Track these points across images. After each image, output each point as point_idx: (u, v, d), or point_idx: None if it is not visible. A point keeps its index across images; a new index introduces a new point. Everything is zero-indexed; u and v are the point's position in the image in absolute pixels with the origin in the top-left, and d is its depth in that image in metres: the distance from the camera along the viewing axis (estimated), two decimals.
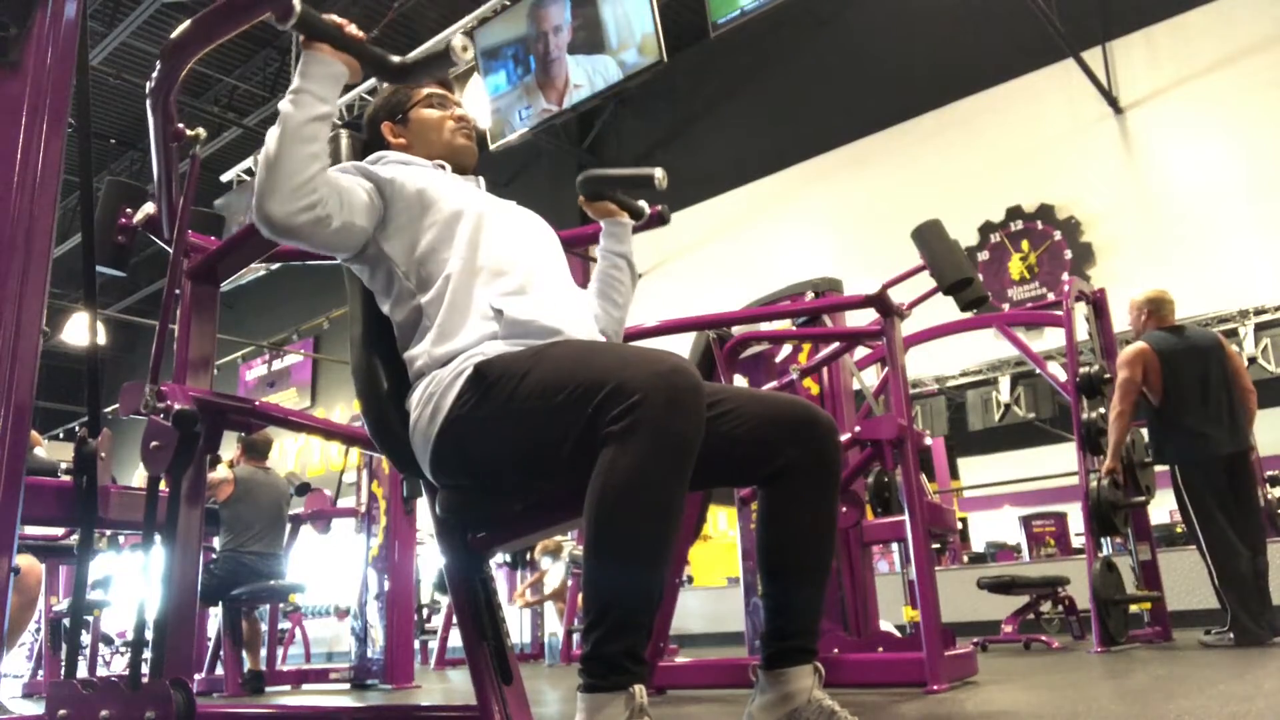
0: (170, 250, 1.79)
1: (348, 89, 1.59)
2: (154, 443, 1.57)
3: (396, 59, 1.45)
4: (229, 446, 5.39)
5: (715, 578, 9.70)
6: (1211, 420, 4.13)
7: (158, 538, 1.63)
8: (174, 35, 1.50)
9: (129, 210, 2.10)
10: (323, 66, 1.42)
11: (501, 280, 1.53)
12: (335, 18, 1.43)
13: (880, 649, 3.23)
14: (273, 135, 1.38)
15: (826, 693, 1.43)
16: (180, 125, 1.69)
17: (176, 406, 1.57)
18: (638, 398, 1.19)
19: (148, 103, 1.64)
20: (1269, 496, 6.18)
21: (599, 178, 1.84)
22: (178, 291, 1.94)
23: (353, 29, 1.44)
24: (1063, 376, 4.82)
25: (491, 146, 8.48)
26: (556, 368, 1.32)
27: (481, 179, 1.77)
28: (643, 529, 1.20)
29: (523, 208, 1.75)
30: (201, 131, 1.70)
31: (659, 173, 1.72)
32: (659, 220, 1.95)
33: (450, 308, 1.50)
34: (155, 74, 1.58)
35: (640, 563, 1.21)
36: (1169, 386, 4.21)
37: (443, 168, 1.70)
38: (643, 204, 1.89)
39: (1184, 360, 4.22)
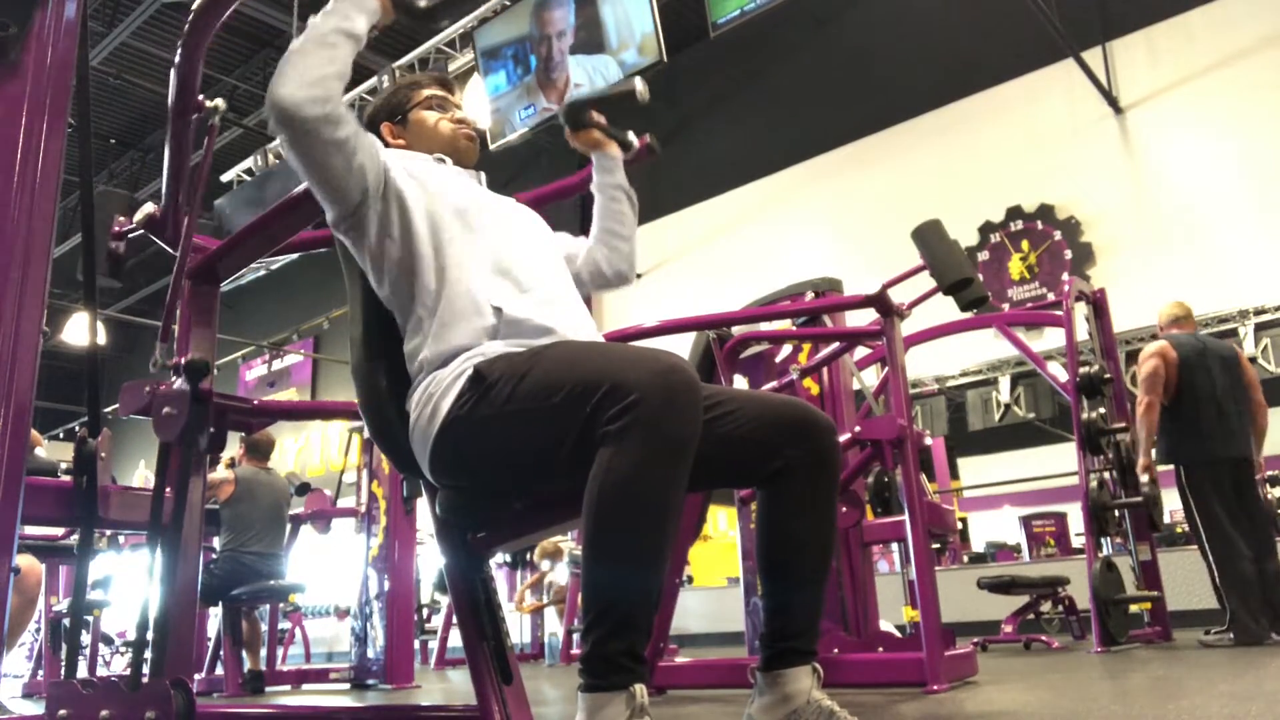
0: (172, 251, 1.80)
1: (359, 81, 1.59)
2: (166, 409, 1.57)
3: (422, 2, 1.47)
4: (231, 446, 5.38)
5: (715, 578, 9.70)
6: (1223, 424, 4.22)
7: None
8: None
9: (121, 219, 2.10)
10: None
11: (501, 274, 1.53)
12: None
13: (880, 649, 3.23)
14: (295, 41, 1.41)
15: (826, 693, 1.43)
16: (200, 96, 1.69)
17: (185, 359, 1.57)
18: (634, 397, 1.19)
19: (173, 69, 1.63)
20: (1268, 497, 6.21)
21: (581, 103, 1.79)
22: (182, 285, 1.94)
23: None
24: (1063, 376, 4.82)
25: (491, 146, 8.48)
26: (554, 368, 1.31)
27: (482, 174, 1.77)
28: (641, 528, 1.20)
29: (521, 205, 1.75)
30: (220, 102, 1.71)
31: (639, 83, 1.69)
32: (649, 153, 1.88)
33: (449, 300, 1.49)
34: (184, 34, 1.58)
35: (639, 562, 1.21)
36: (1184, 387, 4.29)
37: (443, 161, 1.70)
38: (630, 135, 1.84)
39: (1201, 363, 4.32)
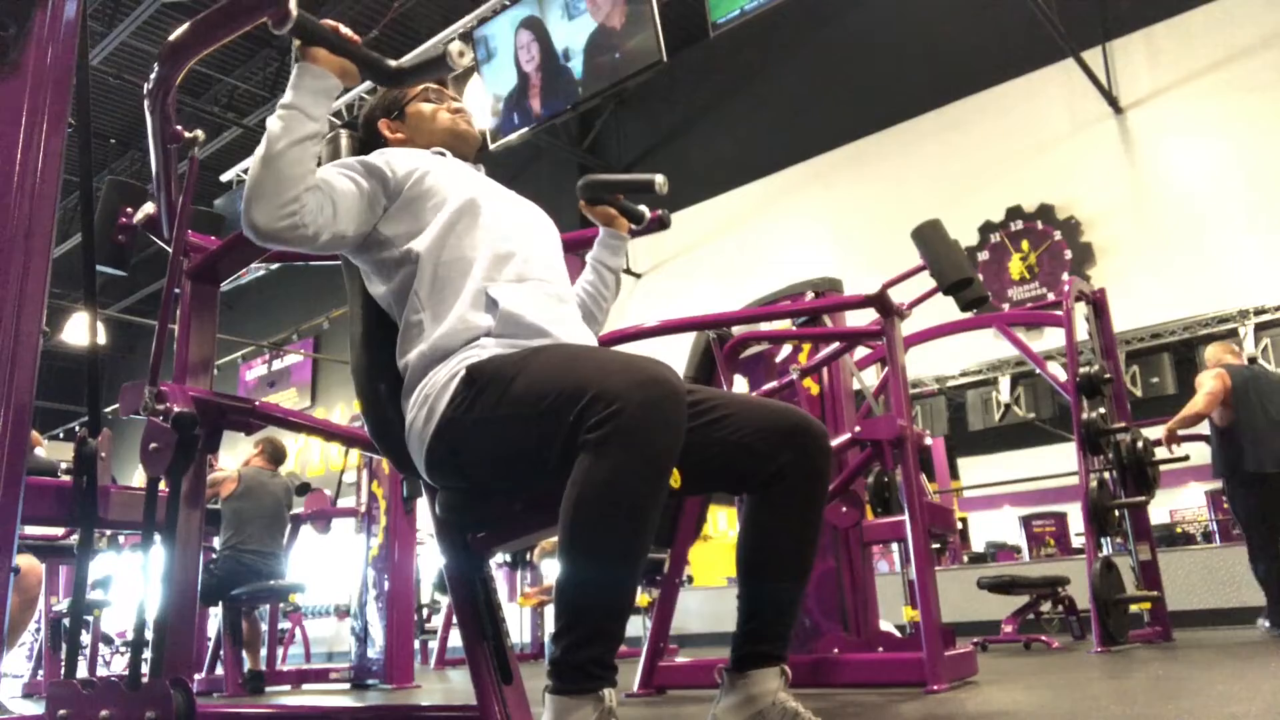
0: (170, 250, 1.79)
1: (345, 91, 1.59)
2: (153, 444, 1.57)
3: (393, 63, 1.45)
4: (239, 447, 5.39)
5: (715, 578, 9.69)
6: (1265, 443, 4.71)
7: (157, 538, 1.63)
8: (171, 38, 1.50)
9: (129, 210, 2.10)
10: (316, 80, 1.42)
11: (500, 266, 1.53)
12: (330, 22, 1.43)
13: (880, 649, 3.22)
14: (258, 153, 1.38)
15: (791, 694, 1.43)
16: (179, 127, 1.69)
17: (176, 409, 1.57)
18: (616, 407, 1.18)
19: (145, 104, 1.64)
20: None
21: (599, 183, 1.83)
22: (177, 291, 1.94)
23: (347, 32, 1.43)
24: (1063, 376, 4.82)
25: (491, 146, 8.48)
26: (542, 374, 1.31)
27: (481, 166, 1.77)
28: (615, 538, 1.19)
29: (522, 197, 1.75)
30: (200, 134, 1.70)
31: (660, 179, 1.71)
32: (659, 225, 1.94)
33: (447, 294, 1.50)
34: (153, 76, 1.58)
35: (612, 572, 1.20)
36: (1238, 408, 4.81)
37: (442, 154, 1.70)
38: (643, 209, 1.88)
39: (1248, 391, 4.85)
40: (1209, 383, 4.86)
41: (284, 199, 1.37)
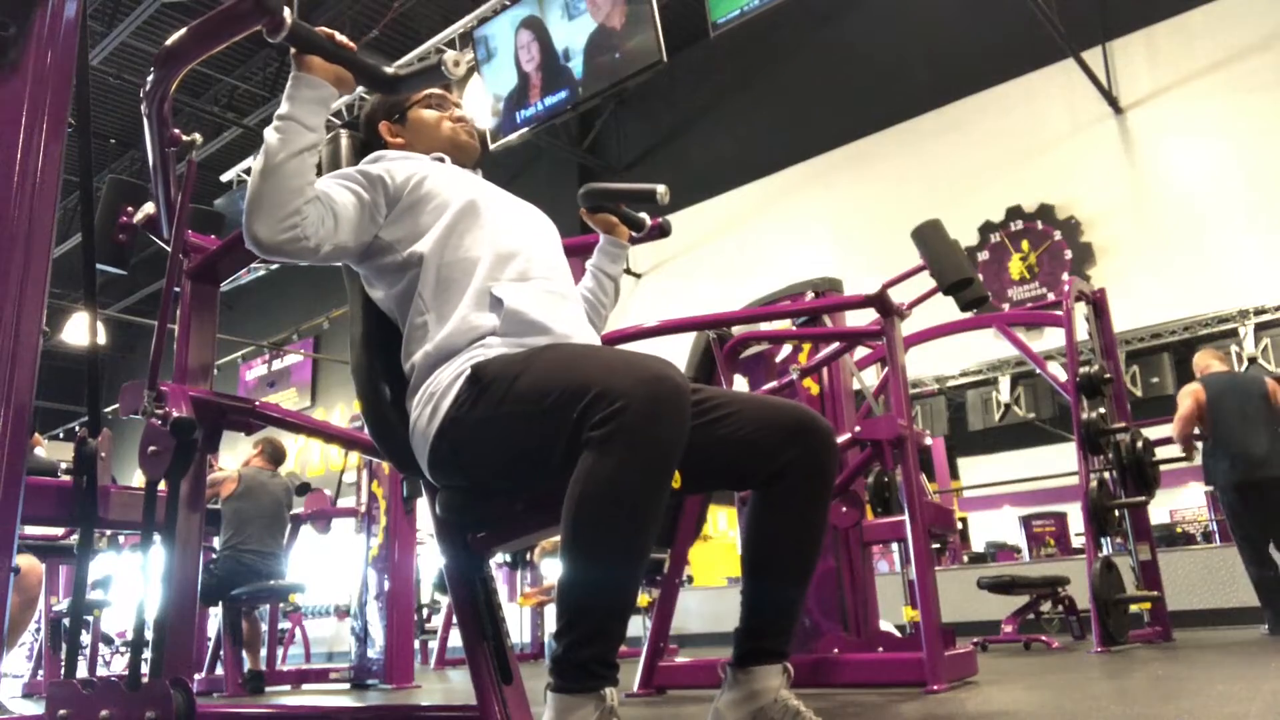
0: (169, 250, 1.79)
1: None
2: (152, 447, 1.57)
3: (389, 70, 1.45)
4: (239, 447, 5.39)
5: (715, 578, 9.70)
6: (1252, 448, 4.72)
7: (157, 538, 1.63)
8: (167, 44, 1.50)
9: (129, 209, 2.10)
10: (311, 90, 1.42)
11: (503, 266, 1.54)
12: (325, 29, 1.43)
13: (880, 649, 3.22)
14: (257, 165, 1.38)
15: (793, 692, 1.43)
16: (176, 130, 1.69)
17: (175, 414, 1.57)
18: (620, 404, 1.18)
19: (143, 108, 1.64)
20: None
21: (601, 191, 1.83)
22: (177, 291, 1.95)
23: (342, 39, 1.43)
24: (1063, 376, 4.83)
25: (491, 146, 8.48)
26: (546, 372, 1.31)
27: (479, 170, 1.77)
28: (618, 536, 1.19)
29: (521, 199, 1.75)
30: (198, 137, 1.70)
31: (661, 189, 1.72)
32: (660, 232, 1.95)
33: (451, 295, 1.50)
34: (149, 81, 1.58)
35: (615, 570, 1.21)
36: (1215, 419, 4.86)
37: (441, 160, 1.70)
38: (644, 216, 1.89)
39: (1225, 400, 4.86)
40: (1183, 404, 4.93)
41: (285, 211, 1.38)
